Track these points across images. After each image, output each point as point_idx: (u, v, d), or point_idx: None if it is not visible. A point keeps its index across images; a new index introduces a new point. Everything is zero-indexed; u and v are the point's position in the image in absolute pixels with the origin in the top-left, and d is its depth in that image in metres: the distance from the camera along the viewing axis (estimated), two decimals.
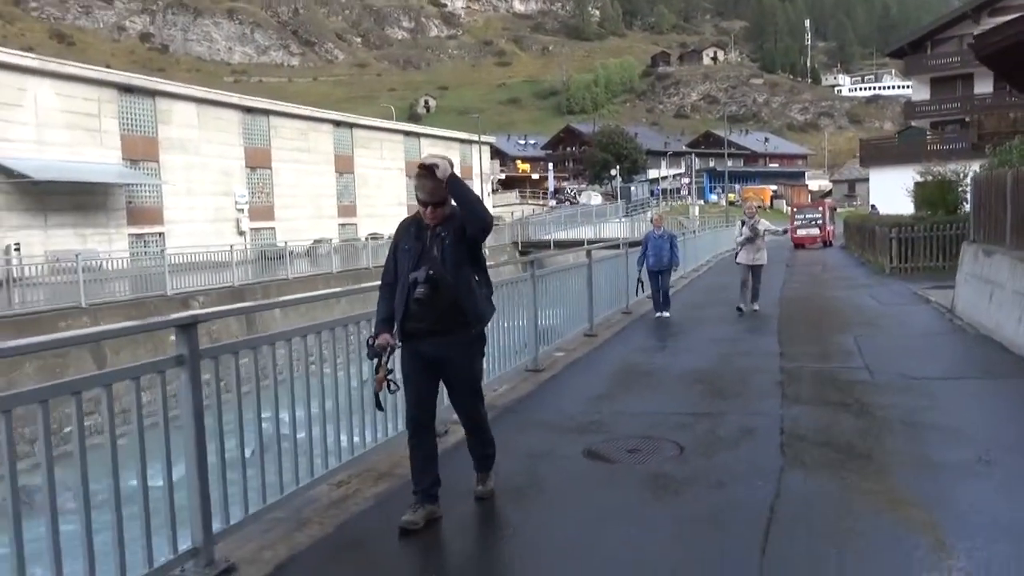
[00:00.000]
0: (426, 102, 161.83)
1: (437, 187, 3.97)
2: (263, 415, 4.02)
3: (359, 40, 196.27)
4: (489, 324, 4.45)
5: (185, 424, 3.52)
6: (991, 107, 23.81)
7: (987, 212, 10.15)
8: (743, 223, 13.11)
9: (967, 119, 35.32)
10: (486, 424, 4.45)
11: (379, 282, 4.24)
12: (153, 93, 30.62)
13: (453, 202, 4.04)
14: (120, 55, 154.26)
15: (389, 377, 4.05)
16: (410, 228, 4.19)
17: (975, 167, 17.42)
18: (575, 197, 78.94)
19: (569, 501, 4.50)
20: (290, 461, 4.17)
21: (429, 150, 49.06)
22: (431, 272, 3.95)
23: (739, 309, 12.66)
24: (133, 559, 3.14)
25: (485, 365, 6.76)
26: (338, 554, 3.81)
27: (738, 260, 13.20)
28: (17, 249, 24.13)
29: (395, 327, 4.09)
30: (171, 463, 3.43)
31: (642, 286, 13.00)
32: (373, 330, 4.18)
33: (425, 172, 3.96)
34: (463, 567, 3.76)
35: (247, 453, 3.86)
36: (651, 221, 14.24)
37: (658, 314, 12.50)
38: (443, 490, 4.19)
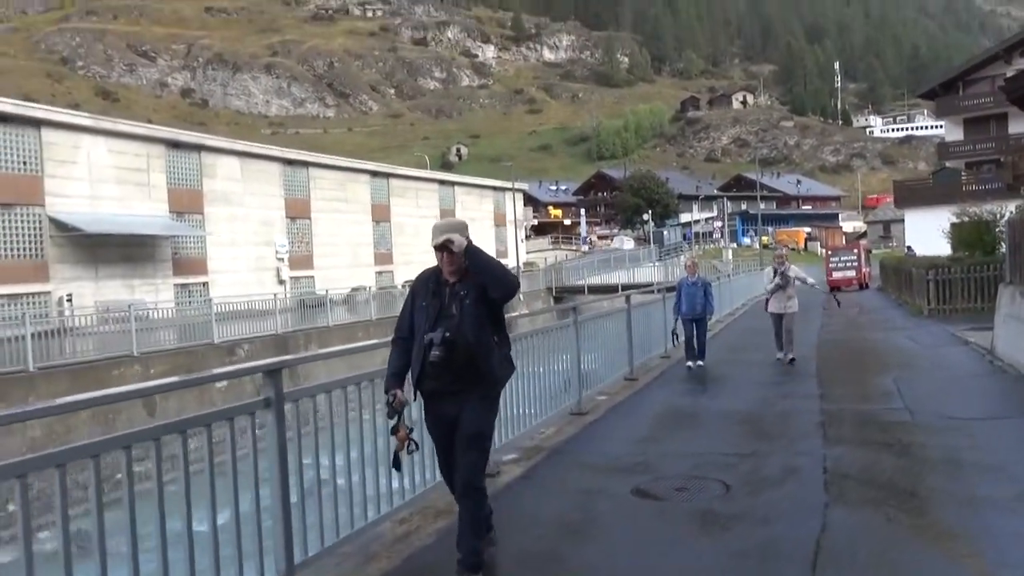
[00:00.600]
0: (458, 150, 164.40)
1: (457, 259, 3.92)
2: (325, 456, 4.29)
3: (392, 91, 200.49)
4: (513, 377, 4.44)
5: (270, 460, 3.78)
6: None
7: (1023, 254, 10.27)
8: (774, 270, 12.42)
9: (1002, 159, 35.18)
10: (482, 497, 4.05)
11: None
12: (199, 148, 31.75)
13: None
14: (162, 110, 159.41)
15: (411, 436, 4.00)
16: (428, 283, 4.08)
17: (1011, 207, 17.47)
18: (591, 242, 79.39)
19: (622, 535, 4.72)
20: (360, 497, 4.43)
21: (463, 199, 49.98)
22: (447, 334, 3.86)
23: (778, 359, 12.17)
24: None
25: (531, 409, 7.06)
26: None
27: (768, 309, 12.58)
28: (69, 300, 25.00)
29: (408, 384, 4.05)
30: (259, 498, 3.70)
31: (676, 338, 12.56)
32: (384, 384, 4.09)
33: (442, 250, 3.94)
34: None
35: (321, 495, 4.10)
36: (684, 267, 13.55)
37: (689, 363, 11.96)
38: (500, 525, 4.43)
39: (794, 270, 12.28)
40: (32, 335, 16.14)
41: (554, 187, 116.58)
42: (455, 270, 3.96)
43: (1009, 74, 39.15)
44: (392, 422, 3.93)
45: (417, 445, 4.14)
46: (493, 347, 4.00)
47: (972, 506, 4.89)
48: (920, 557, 4.11)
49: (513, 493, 5.63)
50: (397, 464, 4.11)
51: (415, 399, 4.19)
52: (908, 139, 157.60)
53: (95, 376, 16.56)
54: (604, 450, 6.85)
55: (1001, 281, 12.38)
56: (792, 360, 11.85)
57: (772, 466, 6.04)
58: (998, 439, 6.65)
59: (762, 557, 4.23)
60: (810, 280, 12.62)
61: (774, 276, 12.28)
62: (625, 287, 31.39)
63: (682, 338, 12.42)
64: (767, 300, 12.63)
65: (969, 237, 22.89)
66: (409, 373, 4.05)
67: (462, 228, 3.98)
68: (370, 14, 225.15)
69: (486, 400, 4.02)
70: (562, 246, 77.61)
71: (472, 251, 3.92)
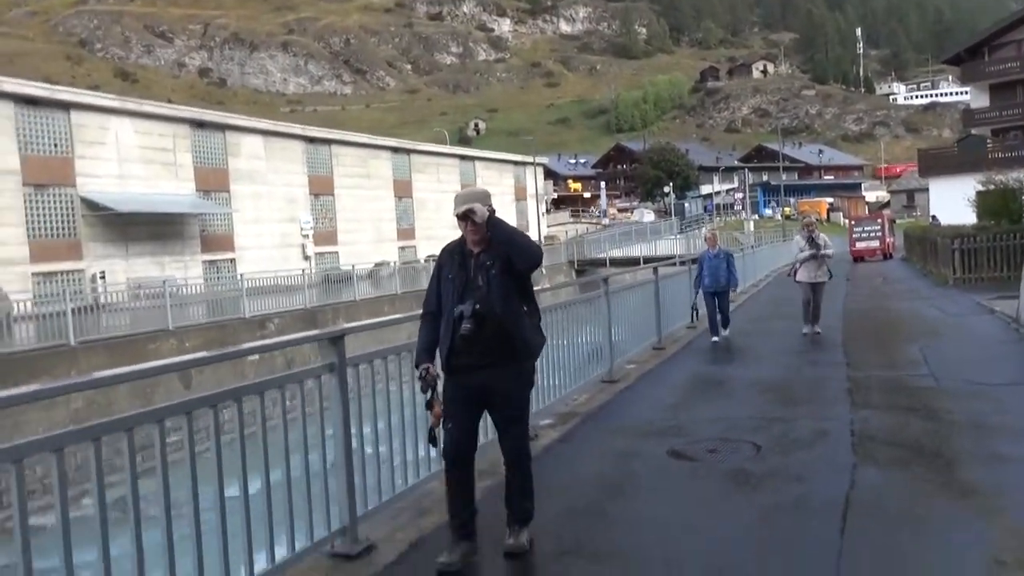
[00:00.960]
0: (476, 125, 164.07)
1: (481, 229, 3.91)
2: (380, 420, 4.58)
3: (409, 67, 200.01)
4: (545, 350, 4.46)
5: (335, 421, 4.07)
6: None
7: None
8: (807, 239, 11.87)
9: None
10: (529, 462, 4.19)
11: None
12: (223, 127, 32.08)
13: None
14: (180, 90, 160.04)
15: (435, 399, 3.96)
16: (454, 255, 4.07)
17: None
18: (611, 215, 79.35)
19: (660, 493, 4.98)
20: (412, 457, 4.76)
21: (483, 173, 50.08)
22: (477, 307, 3.85)
23: (805, 334, 11.66)
24: (298, 534, 3.76)
25: (562, 379, 7.31)
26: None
27: (798, 278, 11.97)
28: (103, 277, 25.53)
29: (437, 357, 4.03)
30: (326, 456, 4.04)
31: (696, 313, 12.53)
32: (415, 359, 4.11)
33: (464, 219, 3.94)
34: (578, 541, 4.24)
35: (379, 451, 4.42)
36: (705, 240, 13.39)
37: (715, 338, 11.74)
38: (543, 484, 4.67)
39: (823, 238, 11.87)
40: (72, 311, 16.61)
41: (573, 160, 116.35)
42: (479, 239, 3.95)
43: None
44: (426, 397, 3.92)
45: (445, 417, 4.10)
46: (523, 316, 3.99)
47: (997, 465, 5.10)
48: (946, 512, 4.34)
49: (552, 455, 5.90)
50: (433, 440, 4.07)
51: (439, 371, 4.14)
52: (932, 106, 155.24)
53: (133, 350, 17.03)
54: (637, 415, 7.10)
55: None
56: (818, 333, 11.55)
57: (801, 429, 6.26)
58: (1022, 404, 6.82)
59: (794, 511, 4.48)
60: (830, 251, 12.11)
61: (805, 245, 11.81)
62: (647, 259, 31.46)
63: (702, 311, 12.30)
64: (795, 270, 12.10)
65: (995, 205, 22.79)
66: (439, 347, 4.03)
67: (484, 197, 3.98)
68: None
69: (522, 377, 4.05)
70: (582, 219, 77.58)
71: (494, 222, 3.91)
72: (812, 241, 11.76)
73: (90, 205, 25.97)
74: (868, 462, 5.27)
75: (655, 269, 11.29)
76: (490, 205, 3.93)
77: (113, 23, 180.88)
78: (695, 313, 12.46)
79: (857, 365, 9.01)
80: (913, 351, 9.68)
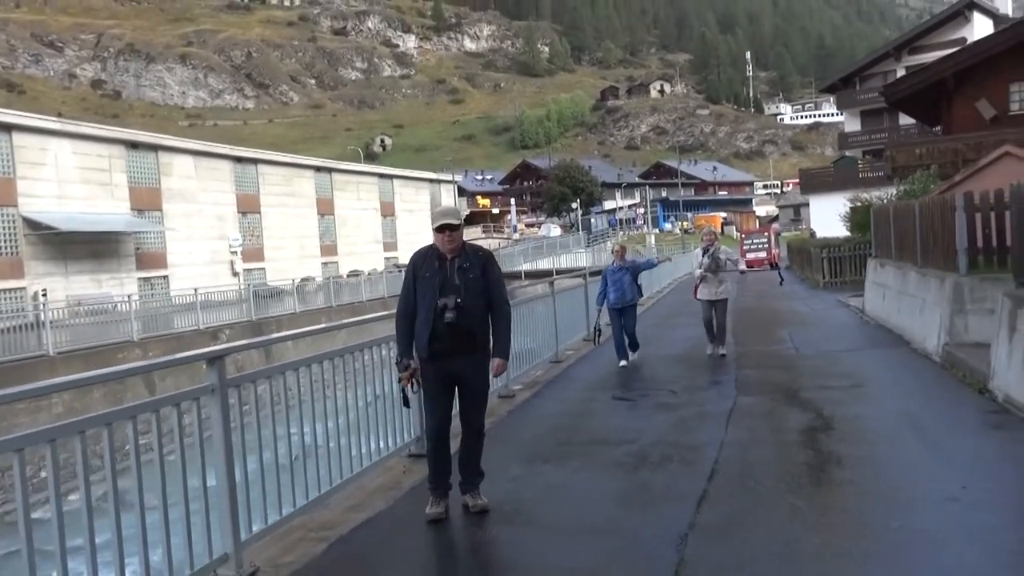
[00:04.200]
0: (382, 141, 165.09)
1: (457, 237, 4.71)
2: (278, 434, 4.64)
3: (313, 82, 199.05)
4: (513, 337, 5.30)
5: (216, 444, 4.00)
6: (901, 143, 27.61)
7: (881, 234, 13.53)
8: (704, 251, 11.07)
9: (885, 152, 39.44)
10: (483, 439, 4.99)
11: (389, 311, 4.90)
12: (156, 148, 33.21)
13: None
14: (72, 102, 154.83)
15: (415, 377, 4.72)
16: (429, 258, 4.74)
17: (892, 194, 21.05)
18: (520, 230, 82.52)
19: (610, 417, 7.55)
20: (301, 478, 4.72)
21: (402, 191, 52.18)
22: (459, 300, 4.57)
23: (709, 355, 10.82)
24: (179, 564, 3.69)
25: (527, 358, 9.75)
26: (347, 562, 4.29)
27: (698, 296, 11.05)
28: (44, 295, 26.44)
29: (418, 349, 4.72)
30: (206, 480, 3.92)
31: (599, 334, 11.33)
32: (400, 355, 4.77)
33: (442, 231, 4.68)
34: (568, 439, 6.68)
35: (265, 473, 4.39)
36: (612, 252, 11.93)
37: (622, 362, 10.56)
38: (529, 421, 7.09)
39: (724, 252, 12.00)
40: (42, 323, 18.03)
41: (480, 176, 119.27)
42: (455, 247, 4.70)
43: (899, 71, 43.67)
44: (403, 373, 4.71)
45: (420, 384, 4.82)
46: (487, 317, 4.78)
47: (824, 392, 7.89)
48: (788, 411, 7.07)
49: (531, 404, 8.37)
50: (407, 402, 5.09)
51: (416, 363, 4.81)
52: (816, 126, 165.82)
53: (103, 360, 18.55)
54: (584, 379, 9.67)
55: (870, 256, 15.69)
56: (723, 356, 10.60)
57: (702, 381, 8.97)
58: (851, 360, 9.75)
59: (698, 418, 7.12)
60: (741, 265, 12.38)
61: (703, 257, 11.01)
62: (559, 271, 34.44)
63: (605, 331, 11.33)
64: (696, 287, 11.19)
65: (860, 220, 26.54)
66: (418, 336, 4.72)
67: (457, 213, 4.82)
68: (288, 3, 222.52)
69: (486, 364, 4.83)
70: (493, 234, 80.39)
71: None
72: (714, 256, 10.90)
73: (31, 224, 26.85)
74: (745, 394, 8.00)
75: (584, 275, 13.90)
76: (461, 219, 4.81)
77: None
78: (598, 334, 11.30)
79: (742, 343, 11.88)
80: (784, 334, 12.66)
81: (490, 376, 4.88)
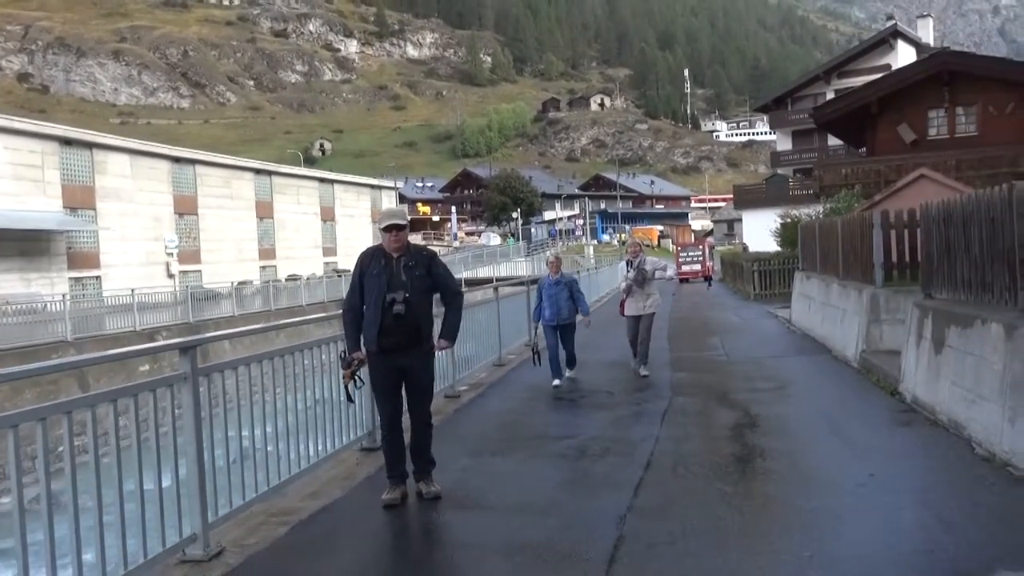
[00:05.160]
0: (321, 145, 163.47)
1: (403, 236, 5.01)
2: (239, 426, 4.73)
3: (252, 83, 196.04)
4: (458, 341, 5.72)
5: (187, 430, 4.19)
6: (829, 163, 28.88)
7: (807, 249, 14.31)
8: (628, 263, 10.32)
9: (812, 171, 41.05)
10: (432, 429, 5.28)
11: (337, 311, 5.13)
12: (90, 145, 32.57)
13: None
14: None
15: (357, 374, 5.05)
16: (376, 258, 5.00)
17: (820, 211, 22.05)
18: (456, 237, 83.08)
19: (552, 415, 7.96)
20: (264, 461, 4.94)
21: (342, 196, 51.99)
22: (406, 295, 4.85)
23: (636, 373, 9.98)
24: (152, 543, 3.87)
25: (470, 361, 10.07)
26: (309, 543, 4.53)
27: (625, 312, 10.29)
28: None
29: (367, 343, 4.99)
30: (177, 464, 4.16)
31: (537, 356, 10.00)
32: (347, 349, 5.09)
33: (388, 231, 4.97)
34: (512, 433, 7.05)
35: (231, 459, 4.62)
36: (547, 264, 10.74)
37: (556, 382, 9.46)
38: (475, 417, 7.43)
39: (651, 262, 10.35)
40: None
41: (420, 184, 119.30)
42: (400, 246, 4.99)
43: (829, 94, 45.52)
44: (347, 368, 5.05)
45: (363, 381, 5.24)
46: (431, 313, 5.10)
47: (751, 393, 8.43)
48: (717, 410, 7.57)
49: (475, 404, 8.71)
50: (350, 397, 5.40)
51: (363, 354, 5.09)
52: (750, 143, 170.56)
53: (38, 359, 18.15)
54: (527, 381, 10.03)
55: (798, 270, 16.51)
56: (644, 376, 9.80)
57: (638, 384, 9.43)
58: (776, 365, 10.37)
59: (634, 418, 7.56)
60: (669, 273, 11.22)
61: (628, 270, 10.24)
62: (500, 279, 34.85)
63: (545, 353, 9.93)
64: (622, 302, 10.42)
65: (789, 235, 27.65)
66: (366, 331, 4.97)
67: (403, 214, 5.20)
68: (227, 3, 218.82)
69: (431, 358, 5.21)
70: (433, 242, 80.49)
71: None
72: (639, 268, 10.06)
73: None
74: (679, 395, 8.50)
75: (532, 281, 14.28)
76: (407, 219, 5.19)
77: None
78: (536, 356, 10.06)
79: (677, 349, 12.46)
80: (715, 341, 13.30)
81: (435, 370, 5.24)
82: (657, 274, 10.29)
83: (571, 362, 10.13)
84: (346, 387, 5.15)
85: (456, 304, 5.30)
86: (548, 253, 49.36)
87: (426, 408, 5.20)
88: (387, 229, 4.97)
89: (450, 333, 5.30)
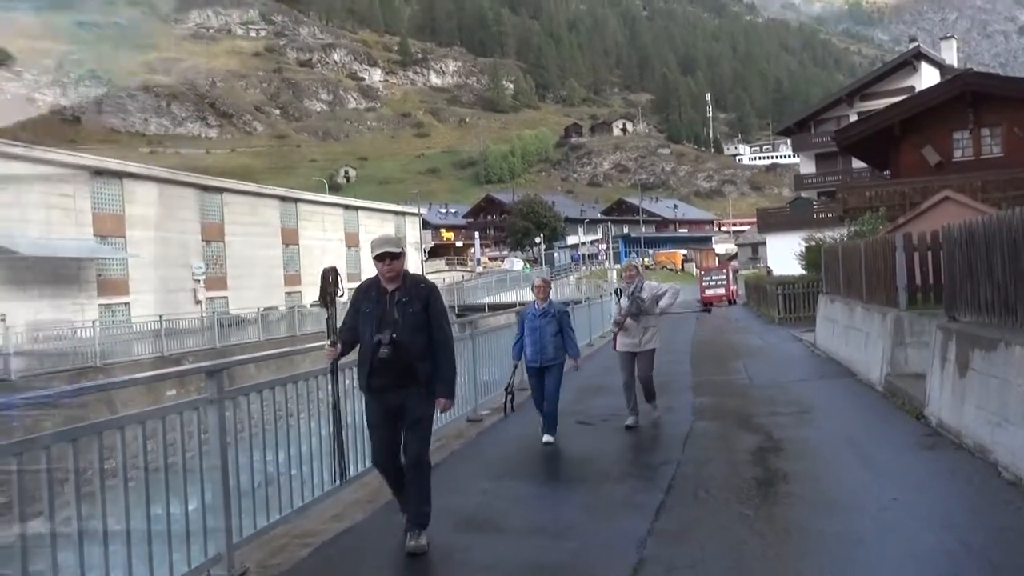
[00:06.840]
0: (346, 172, 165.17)
1: (396, 266, 4.62)
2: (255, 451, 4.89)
3: (278, 112, 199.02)
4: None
5: (213, 453, 4.27)
6: (853, 186, 28.75)
7: (831, 272, 14.24)
8: (618, 292, 8.79)
9: (837, 193, 40.81)
10: (429, 471, 4.79)
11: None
12: (120, 175, 33.21)
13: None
14: (29, 127, 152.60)
15: (336, 353, 4.75)
16: (369, 292, 4.67)
17: (846, 233, 21.93)
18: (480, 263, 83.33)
19: (575, 438, 7.95)
20: (289, 484, 5.06)
21: (366, 222, 52.46)
22: (394, 336, 4.50)
23: (627, 427, 8.16)
24: (177, 562, 3.96)
25: (494, 385, 10.11)
26: (331, 565, 4.62)
27: (618, 347, 8.57)
28: (3, 319, 26.15)
29: (359, 384, 4.80)
30: (203, 486, 4.23)
31: (511, 399, 8.26)
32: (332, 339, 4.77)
33: (381, 260, 4.60)
34: (541, 453, 7.05)
35: (256, 481, 4.73)
36: (533, 289, 8.33)
37: (546, 438, 7.66)
38: (503, 437, 7.44)
39: (650, 288, 8.53)
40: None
41: (444, 210, 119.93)
42: (394, 276, 4.62)
43: (852, 116, 45.35)
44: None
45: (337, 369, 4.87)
46: (426, 352, 4.62)
47: (773, 417, 8.39)
48: (742, 437, 7.52)
49: (498, 427, 8.74)
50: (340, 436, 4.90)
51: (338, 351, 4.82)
52: (773, 167, 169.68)
53: (70, 382, 18.49)
54: None
55: (821, 293, 16.41)
56: (629, 428, 8.14)
57: (661, 407, 9.39)
58: (799, 390, 10.30)
59: (655, 442, 7.56)
60: (676, 298, 8.66)
61: (618, 299, 8.70)
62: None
63: (516, 394, 8.47)
64: (614, 337, 8.69)
65: (814, 258, 27.52)
66: (359, 369, 4.75)
67: (397, 242, 4.75)
68: (253, 34, 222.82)
69: (428, 398, 4.69)
70: (457, 267, 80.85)
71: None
72: (635, 296, 8.34)
73: None
74: (701, 419, 8.48)
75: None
76: (404, 249, 4.75)
77: None
78: (511, 399, 8.28)
79: (699, 373, 12.41)
80: (738, 365, 13.22)
81: (435, 409, 4.77)
82: (663, 303, 8.35)
83: (550, 422, 7.75)
84: (335, 421, 4.82)
85: (446, 348, 4.72)
86: (533, 275, 40.62)
87: (417, 446, 4.67)
88: (379, 258, 4.59)
89: (446, 389, 4.75)
